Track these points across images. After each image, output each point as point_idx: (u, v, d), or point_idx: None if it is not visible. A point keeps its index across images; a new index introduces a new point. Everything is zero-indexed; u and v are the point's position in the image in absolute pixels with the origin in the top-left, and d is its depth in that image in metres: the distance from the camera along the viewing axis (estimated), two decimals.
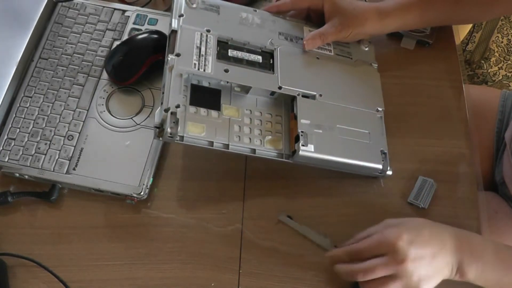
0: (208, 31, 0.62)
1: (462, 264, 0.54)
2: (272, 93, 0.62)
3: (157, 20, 0.73)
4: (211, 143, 0.57)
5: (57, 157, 0.64)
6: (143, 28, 0.73)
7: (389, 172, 0.62)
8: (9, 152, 0.64)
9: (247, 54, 0.63)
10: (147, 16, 0.74)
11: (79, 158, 0.64)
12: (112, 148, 0.65)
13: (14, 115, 0.66)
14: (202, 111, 0.58)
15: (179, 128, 0.55)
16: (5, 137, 0.65)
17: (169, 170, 0.66)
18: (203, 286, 0.59)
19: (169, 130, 0.54)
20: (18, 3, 0.71)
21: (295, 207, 0.63)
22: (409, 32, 0.75)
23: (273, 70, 0.62)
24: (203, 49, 0.60)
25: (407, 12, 0.67)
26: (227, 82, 0.60)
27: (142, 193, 0.62)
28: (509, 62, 1.63)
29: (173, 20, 0.62)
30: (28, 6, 0.72)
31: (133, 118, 0.67)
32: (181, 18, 0.62)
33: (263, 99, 0.63)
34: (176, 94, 0.56)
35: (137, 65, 0.67)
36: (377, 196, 0.65)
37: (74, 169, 0.63)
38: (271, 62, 0.63)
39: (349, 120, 0.63)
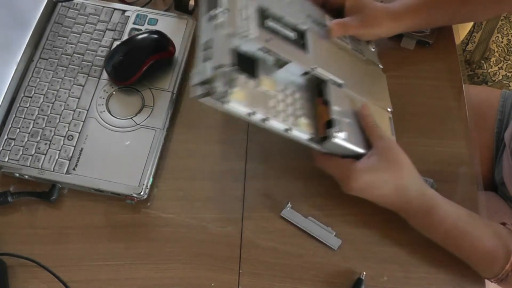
0: None
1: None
2: (305, 73, 0.59)
3: (157, 20, 0.73)
4: (252, 114, 0.52)
5: (57, 157, 0.64)
6: (143, 28, 0.73)
7: None
8: (9, 152, 0.64)
9: (283, 28, 0.59)
10: (147, 16, 0.74)
11: (79, 158, 0.64)
12: (112, 148, 0.65)
13: (14, 115, 0.66)
14: (242, 77, 0.52)
15: (232, 90, 0.49)
16: (5, 137, 0.65)
17: (169, 170, 0.66)
18: (203, 286, 0.59)
19: (221, 89, 0.49)
20: (18, 3, 0.71)
21: (295, 207, 0.63)
22: (409, 32, 0.75)
23: (306, 50, 0.59)
24: (244, 13, 0.55)
25: (417, 14, 0.67)
26: (266, 52, 0.55)
27: (142, 193, 0.62)
28: (509, 62, 1.63)
29: None
30: (28, 6, 0.72)
31: (133, 118, 0.67)
32: None
33: (292, 78, 0.59)
34: (226, 52, 0.51)
35: (137, 65, 0.67)
36: None
37: (74, 169, 0.63)
38: (303, 42, 0.60)
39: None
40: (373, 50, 0.70)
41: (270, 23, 0.58)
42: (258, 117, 0.53)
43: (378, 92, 0.67)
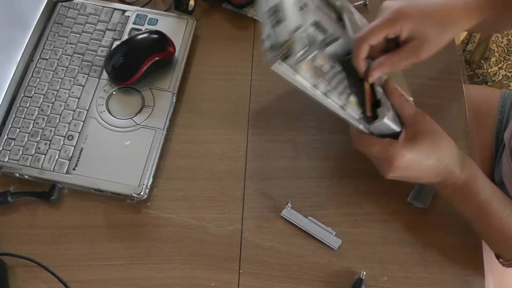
0: None
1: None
2: (349, 54, 0.57)
3: (157, 20, 0.73)
4: (316, 86, 0.50)
5: (57, 157, 0.64)
6: (143, 28, 0.73)
7: None
8: (9, 152, 0.64)
9: (326, 7, 0.58)
10: (147, 16, 0.74)
11: (79, 158, 0.64)
12: (112, 148, 0.65)
13: (14, 115, 0.66)
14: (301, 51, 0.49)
15: (312, 54, 0.47)
16: (5, 137, 0.65)
17: (169, 170, 0.66)
18: (203, 286, 0.59)
19: (301, 52, 0.46)
20: (18, 3, 0.71)
21: (295, 207, 0.63)
22: None
23: (347, 32, 0.58)
24: None
25: (488, 6, 0.59)
26: (317, 28, 0.53)
27: (142, 193, 0.62)
28: (509, 62, 1.63)
29: None
30: (28, 6, 0.72)
31: (133, 118, 0.67)
32: None
33: (341, 57, 0.57)
34: (296, 13, 0.48)
35: (137, 65, 0.67)
36: (377, 196, 0.65)
37: (74, 169, 0.63)
38: (342, 24, 0.60)
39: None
40: None
41: (316, 1, 0.56)
42: (321, 89, 0.51)
43: (402, 84, 0.65)
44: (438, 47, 0.57)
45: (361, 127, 0.57)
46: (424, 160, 0.56)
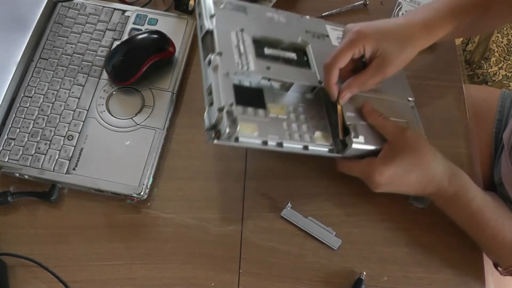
0: (242, 30, 0.60)
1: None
2: (313, 88, 0.61)
3: (157, 20, 0.73)
4: (265, 142, 0.55)
5: (57, 157, 0.64)
6: (143, 28, 0.73)
7: None
8: (9, 152, 0.64)
9: (282, 51, 0.61)
10: (147, 16, 0.74)
11: (79, 158, 0.64)
12: (112, 148, 0.65)
13: (14, 115, 0.66)
14: (250, 110, 0.56)
15: (237, 127, 0.52)
16: (5, 137, 0.65)
17: (169, 170, 0.66)
18: (203, 286, 0.59)
19: (227, 130, 0.51)
20: (18, 3, 0.71)
21: (295, 207, 0.63)
22: None
23: (309, 67, 0.62)
24: (241, 48, 0.59)
25: (449, 22, 0.62)
26: (268, 80, 0.59)
27: (142, 193, 0.62)
28: (509, 62, 1.63)
29: (205, 21, 0.60)
30: (28, 6, 0.72)
31: (133, 118, 0.67)
32: (213, 18, 0.60)
33: (303, 96, 0.61)
34: (226, 93, 0.54)
35: (137, 65, 0.67)
36: (377, 196, 0.64)
37: (74, 169, 0.63)
38: (306, 59, 0.63)
39: (387, 111, 0.62)
40: None
41: (269, 51, 0.60)
42: (272, 144, 0.55)
43: (397, 85, 0.67)
44: (402, 63, 0.59)
45: (337, 156, 0.59)
46: (405, 175, 0.58)
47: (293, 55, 0.62)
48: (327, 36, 0.67)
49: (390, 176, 0.58)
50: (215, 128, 0.52)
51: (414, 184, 0.59)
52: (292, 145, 0.56)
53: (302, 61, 0.62)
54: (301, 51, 0.63)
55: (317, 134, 0.58)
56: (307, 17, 0.68)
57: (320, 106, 0.61)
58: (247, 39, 0.60)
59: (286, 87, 0.60)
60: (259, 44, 0.60)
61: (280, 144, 0.55)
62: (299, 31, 0.65)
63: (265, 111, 0.57)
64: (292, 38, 0.63)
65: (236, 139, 0.52)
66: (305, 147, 0.57)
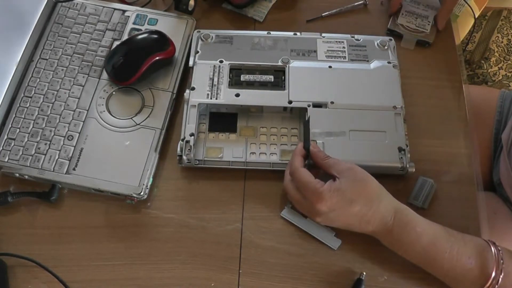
0: (221, 61, 0.68)
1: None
2: (285, 108, 0.66)
3: (157, 20, 0.73)
4: (229, 163, 0.63)
5: (57, 157, 0.64)
6: (143, 28, 0.73)
7: (411, 169, 0.63)
8: (9, 152, 0.64)
9: (259, 76, 0.68)
10: (147, 16, 0.74)
11: (79, 158, 0.64)
12: (112, 148, 0.65)
13: (14, 115, 0.66)
14: (221, 135, 0.65)
15: (193, 154, 0.62)
16: (5, 137, 0.65)
17: (169, 170, 0.66)
18: (203, 286, 0.59)
19: (185, 157, 0.62)
20: (18, 3, 0.71)
21: (295, 207, 0.63)
22: (409, 32, 0.75)
23: (284, 87, 0.67)
24: (215, 79, 0.67)
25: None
26: (241, 105, 0.66)
27: (142, 193, 0.62)
28: (509, 62, 1.63)
29: (191, 57, 0.69)
30: (28, 6, 0.72)
31: (133, 118, 0.67)
32: (197, 54, 0.69)
33: (279, 115, 0.67)
34: (191, 124, 0.63)
35: (137, 65, 0.67)
36: None
37: (74, 169, 0.63)
38: (283, 79, 0.67)
39: (364, 122, 0.64)
40: (385, 48, 0.71)
41: (245, 77, 0.67)
42: (235, 164, 0.63)
43: (385, 92, 0.67)
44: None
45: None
46: (348, 205, 0.56)
47: (270, 78, 0.67)
48: (315, 51, 0.70)
49: (333, 204, 0.55)
50: (181, 155, 0.62)
51: (357, 215, 0.56)
52: (256, 164, 0.64)
53: (279, 82, 0.67)
54: (280, 72, 0.68)
55: (283, 150, 0.65)
56: (299, 33, 0.71)
57: (294, 124, 0.67)
58: (224, 69, 0.67)
59: (259, 109, 0.67)
60: (237, 72, 0.68)
61: (244, 164, 0.64)
62: (283, 52, 0.70)
63: (236, 134, 0.65)
64: (273, 60, 0.69)
65: (201, 162, 0.63)
66: (269, 164, 0.64)
